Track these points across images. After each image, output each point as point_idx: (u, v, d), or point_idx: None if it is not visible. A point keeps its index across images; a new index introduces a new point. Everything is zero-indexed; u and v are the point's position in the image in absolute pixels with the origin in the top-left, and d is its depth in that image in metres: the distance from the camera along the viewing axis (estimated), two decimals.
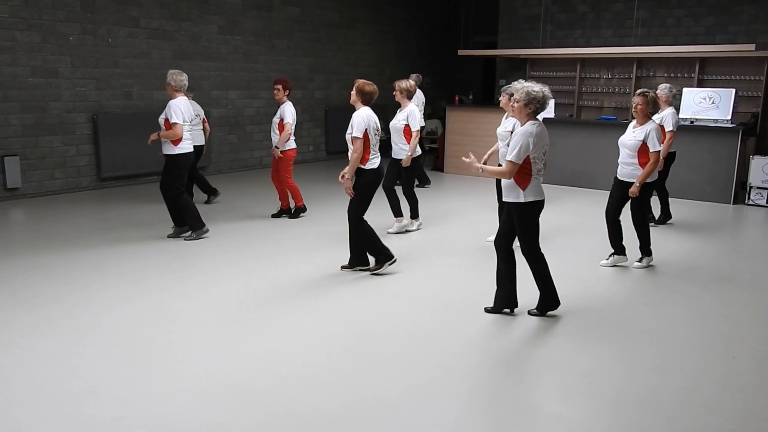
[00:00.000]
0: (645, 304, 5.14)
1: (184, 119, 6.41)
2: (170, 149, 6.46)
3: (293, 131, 7.47)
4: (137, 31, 9.67)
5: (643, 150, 5.73)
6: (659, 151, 5.69)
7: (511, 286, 4.76)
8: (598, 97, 12.39)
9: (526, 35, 13.29)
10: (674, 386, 3.76)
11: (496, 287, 4.83)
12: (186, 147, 6.51)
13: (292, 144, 7.52)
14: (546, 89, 4.48)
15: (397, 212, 7.15)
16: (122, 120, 9.40)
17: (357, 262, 5.77)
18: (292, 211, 7.84)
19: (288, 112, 7.36)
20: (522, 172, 4.45)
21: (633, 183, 5.75)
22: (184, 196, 6.62)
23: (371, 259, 5.75)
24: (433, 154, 12.69)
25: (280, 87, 7.39)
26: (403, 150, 6.97)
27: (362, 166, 5.48)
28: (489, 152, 6.76)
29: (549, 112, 10.42)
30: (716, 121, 9.28)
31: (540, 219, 4.62)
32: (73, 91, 9.04)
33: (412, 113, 6.92)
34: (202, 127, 8.38)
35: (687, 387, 3.75)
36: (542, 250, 4.68)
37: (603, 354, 4.19)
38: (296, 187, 7.74)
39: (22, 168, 8.63)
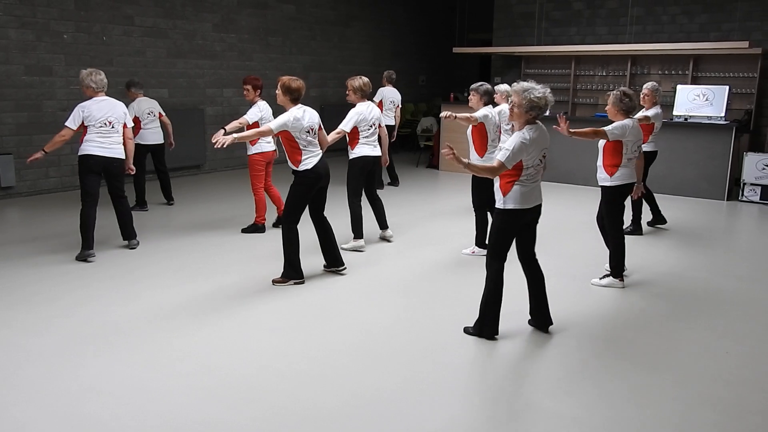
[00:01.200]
0: (638, 303, 5.17)
1: (85, 122, 5.83)
2: (79, 151, 5.93)
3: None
4: (132, 29, 9.65)
5: (607, 149, 5.32)
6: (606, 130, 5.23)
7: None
8: (592, 95, 12.42)
9: (522, 32, 13.31)
10: (666, 380, 3.78)
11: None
12: (85, 149, 5.88)
13: (261, 147, 6.77)
14: (548, 93, 4.11)
15: (382, 224, 6.74)
16: None
17: (332, 263, 5.62)
18: (252, 224, 7.09)
19: (251, 111, 6.79)
20: (507, 178, 4.13)
21: (605, 186, 5.36)
22: (86, 207, 5.95)
23: (368, 254, 5.75)
24: (429, 152, 12.71)
25: (249, 87, 6.83)
26: (352, 153, 6.33)
27: (295, 168, 5.15)
28: (461, 115, 6.02)
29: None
30: (710, 118, 9.32)
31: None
32: (67, 89, 9.02)
33: (348, 113, 6.24)
34: (158, 125, 8.01)
35: (679, 381, 3.78)
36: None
37: (597, 349, 4.22)
38: (263, 201, 6.97)
39: (17, 167, 8.60)
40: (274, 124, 5.02)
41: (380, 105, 9.71)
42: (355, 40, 13.57)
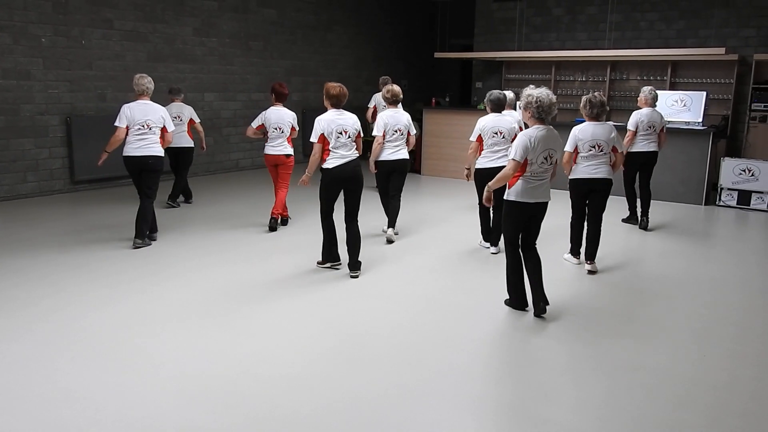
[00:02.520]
0: (619, 304, 5.21)
1: (127, 123, 6.35)
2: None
3: (269, 136, 7.11)
4: (111, 33, 9.57)
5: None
6: (564, 151, 5.85)
7: (527, 283, 4.95)
8: (573, 100, 12.52)
9: (502, 38, 13.40)
10: (647, 384, 3.82)
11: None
12: (125, 150, 6.43)
13: (265, 150, 7.22)
14: (544, 94, 4.59)
15: (390, 222, 7.02)
16: (96, 122, 9.29)
17: (350, 266, 5.75)
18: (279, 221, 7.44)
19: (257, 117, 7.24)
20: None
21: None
22: (141, 201, 6.51)
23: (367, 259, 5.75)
24: (411, 156, 12.71)
25: (270, 91, 7.26)
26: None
27: (321, 165, 5.61)
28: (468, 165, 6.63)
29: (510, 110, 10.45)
30: (688, 123, 9.44)
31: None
32: (45, 93, 8.92)
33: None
34: (184, 130, 8.27)
35: (659, 384, 3.82)
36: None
37: (579, 353, 4.24)
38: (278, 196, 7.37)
39: None
40: (312, 136, 5.54)
41: (375, 109, 9.74)
42: (336, 44, 13.57)
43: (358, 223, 5.76)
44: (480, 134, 6.36)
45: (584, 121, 6.02)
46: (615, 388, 3.75)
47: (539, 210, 4.79)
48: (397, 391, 3.67)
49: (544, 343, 4.39)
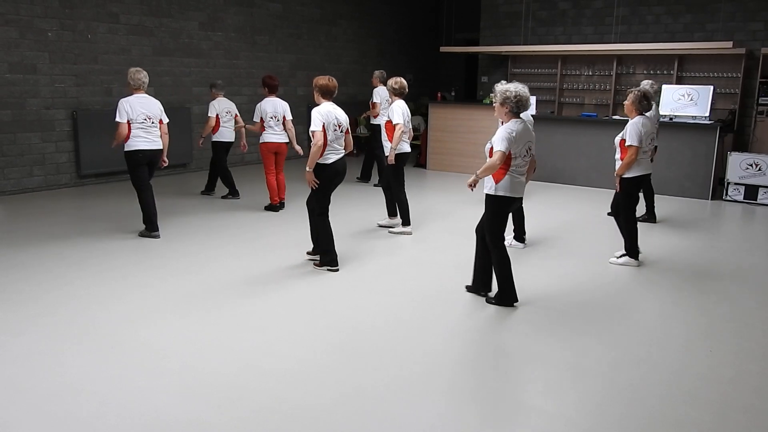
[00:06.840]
0: (626, 299, 5.20)
1: (129, 118, 6.33)
2: (124, 147, 6.49)
3: (268, 125, 7.68)
4: (117, 27, 9.58)
5: (622, 147, 5.86)
6: (630, 146, 5.69)
7: (485, 271, 5.04)
8: (579, 94, 12.48)
9: (508, 32, 13.35)
10: (652, 379, 3.81)
11: (474, 268, 5.12)
12: (132, 144, 6.41)
13: (264, 138, 7.74)
14: (521, 89, 4.64)
15: (391, 212, 7.26)
16: (102, 116, 9.30)
17: (328, 261, 5.74)
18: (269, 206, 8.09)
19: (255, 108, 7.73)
20: (499, 167, 4.65)
21: (625, 178, 5.86)
22: (143, 194, 6.58)
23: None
24: (416, 151, 12.71)
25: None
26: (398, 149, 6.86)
27: (318, 161, 5.48)
28: None
29: (530, 109, 10.47)
30: (694, 117, 9.39)
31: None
32: (51, 87, 8.94)
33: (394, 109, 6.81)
34: (233, 124, 8.56)
35: (665, 379, 3.81)
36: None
37: (585, 348, 4.23)
38: (271, 184, 7.92)
39: (0, 165, 8.52)
40: (313, 125, 5.41)
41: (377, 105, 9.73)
42: (341, 38, 13.55)
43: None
44: None
45: (592, 115, 5.99)
46: (623, 385, 3.74)
47: (519, 204, 5.00)
48: (402, 385, 3.67)
49: (547, 336, 4.38)
